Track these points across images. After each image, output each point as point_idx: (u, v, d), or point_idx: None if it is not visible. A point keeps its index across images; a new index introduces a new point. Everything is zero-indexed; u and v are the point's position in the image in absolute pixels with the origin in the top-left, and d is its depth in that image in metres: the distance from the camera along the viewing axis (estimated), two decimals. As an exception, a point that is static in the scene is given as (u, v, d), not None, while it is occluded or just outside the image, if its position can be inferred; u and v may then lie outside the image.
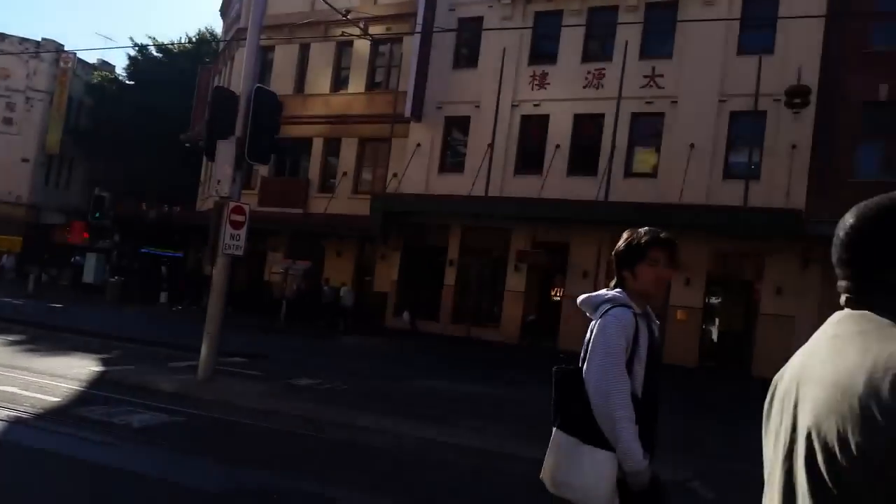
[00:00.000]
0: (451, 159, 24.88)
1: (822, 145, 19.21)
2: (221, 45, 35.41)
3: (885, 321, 1.24)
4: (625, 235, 2.82)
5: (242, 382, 10.84)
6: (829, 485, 1.19)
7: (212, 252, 10.64)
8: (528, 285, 22.82)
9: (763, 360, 18.03)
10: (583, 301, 2.87)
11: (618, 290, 2.79)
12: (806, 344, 1.37)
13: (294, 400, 9.76)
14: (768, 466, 1.39)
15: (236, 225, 10.33)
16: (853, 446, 1.14)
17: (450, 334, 22.14)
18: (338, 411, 9.06)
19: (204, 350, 10.25)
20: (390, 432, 8.20)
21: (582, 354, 2.76)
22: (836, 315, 1.35)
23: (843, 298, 1.35)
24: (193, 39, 44.40)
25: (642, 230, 2.81)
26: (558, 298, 22.67)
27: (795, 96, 18.65)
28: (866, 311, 1.28)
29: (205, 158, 24.85)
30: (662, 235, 2.78)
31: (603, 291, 2.84)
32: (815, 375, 1.27)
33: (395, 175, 24.57)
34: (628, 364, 2.64)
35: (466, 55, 24.72)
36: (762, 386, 1.62)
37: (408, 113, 24.24)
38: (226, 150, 10.14)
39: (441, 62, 24.67)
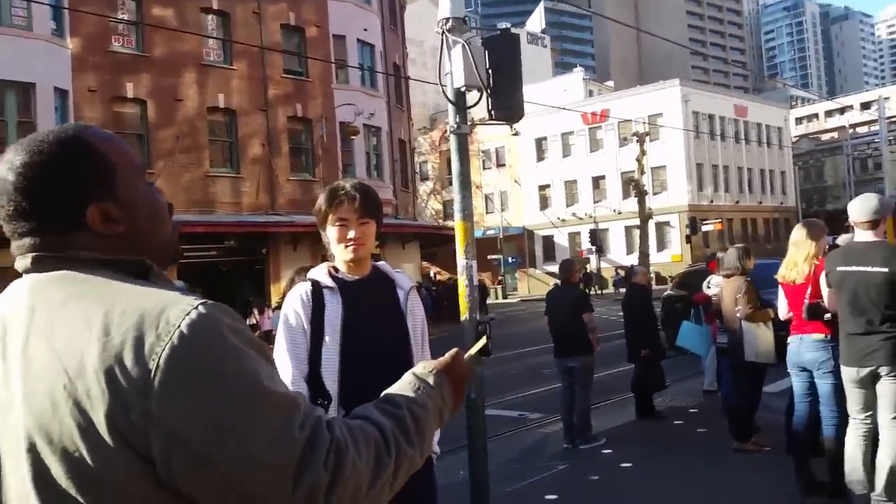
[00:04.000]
0: None
1: None
2: None
3: (97, 277, 1.02)
4: None
5: None
6: (80, 498, 0.93)
7: None
8: None
9: None
10: None
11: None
12: None
13: None
14: None
15: None
16: (106, 433, 0.91)
17: None
18: None
19: None
20: None
21: None
22: (22, 285, 1.06)
23: (27, 260, 1.06)
24: None
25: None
26: None
27: None
28: (67, 271, 1.04)
29: None
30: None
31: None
32: (44, 370, 0.96)
33: None
34: (316, 339, 2.38)
35: None
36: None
37: None
38: None
39: None
